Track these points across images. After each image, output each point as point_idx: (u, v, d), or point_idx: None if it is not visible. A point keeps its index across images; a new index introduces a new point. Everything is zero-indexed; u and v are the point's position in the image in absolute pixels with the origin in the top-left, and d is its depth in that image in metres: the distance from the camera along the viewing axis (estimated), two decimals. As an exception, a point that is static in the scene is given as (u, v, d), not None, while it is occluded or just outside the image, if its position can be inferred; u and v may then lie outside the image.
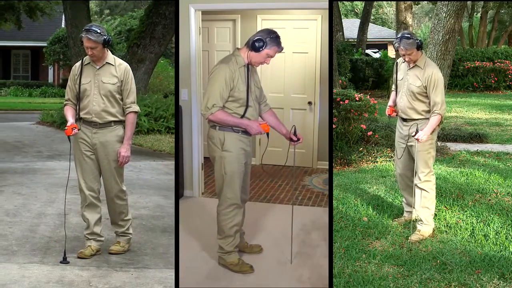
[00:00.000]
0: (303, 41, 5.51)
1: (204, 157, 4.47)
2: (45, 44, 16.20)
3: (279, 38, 2.81)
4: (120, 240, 3.05)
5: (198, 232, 3.52)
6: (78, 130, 2.86)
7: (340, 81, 8.73)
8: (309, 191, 4.68)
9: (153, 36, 8.67)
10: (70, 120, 2.85)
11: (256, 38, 2.77)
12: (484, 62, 12.67)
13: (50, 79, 17.62)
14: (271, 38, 2.78)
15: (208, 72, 5.16)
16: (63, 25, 15.79)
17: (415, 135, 3.16)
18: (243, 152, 2.88)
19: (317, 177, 5.21)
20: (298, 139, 3.00)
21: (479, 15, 17.82)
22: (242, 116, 2.83)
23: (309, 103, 5.61)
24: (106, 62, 2.92)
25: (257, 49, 2.77)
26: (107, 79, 2.89)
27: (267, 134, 2.90)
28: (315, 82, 5.58)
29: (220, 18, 5.65)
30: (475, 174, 4.63)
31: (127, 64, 2.98)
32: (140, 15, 12.90)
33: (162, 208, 3.97)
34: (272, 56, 2.84)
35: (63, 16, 12.25)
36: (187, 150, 4.42)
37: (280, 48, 2.82)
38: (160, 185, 4.75)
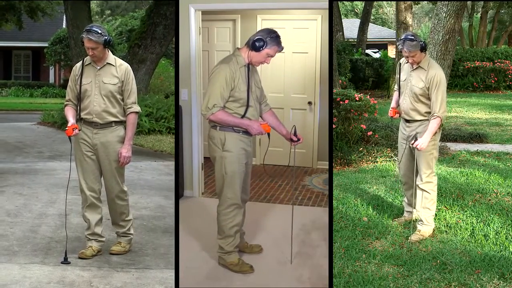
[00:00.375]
0: (303, 41, 5.51)
1: (204, 157, 4.48)
2: (46, 45, 16.23)
3: (279, 38, 2.82)
4: (121, 240, 3.05)
5: (198, 232, 3.53)
6: (79, 130, 2.87)
7: (340, 81, 8.74)
8: (309, 191, 4.69)
9: (154, 37, 8.68)
10: (71, 120, 2.86)
11: (256, 37, 2.78)
12: (484, 62, 12.66)
13: (51, 80, 17.64)
14: (271, 38, 2.79)
15: (208, 72, 5.17)
16: (64, 26, 15.81)
17: (413, 143, 3.14)
18: (243, 152, 2.88)
19: (317, 177, 5.22)
20: (299, 139, 3.00)
21: (479, 15, 17.81)
22: (243, 116, 2.84)
23: (309, 103, 5.62)
24: (107, 63, 2.92)
25: (257, 49, 2.77)
26: (108, 80, 2.90)
27: (268, 134, 2.91)
28: (315, 82, 5.58)
29: (220, 18, 5.66)
30: (475, 174, 4.63)
31: (128, 65, 2.99)
32: (141, 15, 12.91)
33: (163, 209, 3.98)
34: (272, 56, 2.85)
35: (64, 17, 12.28)
36: (187, 150, 4.43)
37: (280, 48, 2.83)
38: (161, 186, 4.76)
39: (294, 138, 2.99)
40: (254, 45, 2.77)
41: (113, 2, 23.61)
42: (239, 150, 2.85)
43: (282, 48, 2.85)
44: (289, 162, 3.52)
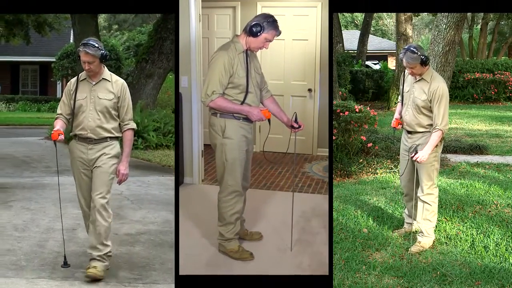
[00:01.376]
0: (303, 28, 5.47)
1: (204, 144, 4.44)
2: (54, 59, 16.33)
3: (276, 22, 2.85)
4: (96, 264, 2.78)
5: (198, 219, 3.51)
6: (64, 137, 2.81)
7: (340, 92, 8.80)
8: (309, 178, 4.66)
9: (162, 51, 8.74)
10: (57, 127, 2.82)
11: (253, 23, 2.82)
12: (484, 74, 12.65)
13: (59, 94, 17.68)
14: (268, 22, 2.82)
15: (208, 59, 5.23)
16: (71, 40, 15.95)
17: (413, 156, 3.16)
18: (244, 139, 2.90)
19: (317, 164, 5.18)
20: (299, 126, 3.00)
21: (479, 26, 17.84)
22: (242, 102, 2.85)
23: (309, 90, 5.61)
24: (103, 78, 2.88)
25: (255, 34, 2.81)
26: (103, 95, 2.85)
27: (269, 120, 2.91)
28: (315, 69, 5.54)
29: (220, 5, 5.62)
30: (475, 186, 4.64)
31: (124, 81, 2.97)
32: (149, 30, 13.05)
33: (171, 224, 3.95)
34: (270, 40, 2.87)
35: (72, 31, 12.39)
36: (187, 137, 4.38)
37: (278, 32, 2.85)
38: (169, 200, 4.73)
39: (295, 125, 2.99)
40: (252, 30, 2.80)
41: (121, 17, 23.83)
42: (239, 137, 2.87)
43: (280, 32, 2.86)
44: (289, 149, 3.50)
